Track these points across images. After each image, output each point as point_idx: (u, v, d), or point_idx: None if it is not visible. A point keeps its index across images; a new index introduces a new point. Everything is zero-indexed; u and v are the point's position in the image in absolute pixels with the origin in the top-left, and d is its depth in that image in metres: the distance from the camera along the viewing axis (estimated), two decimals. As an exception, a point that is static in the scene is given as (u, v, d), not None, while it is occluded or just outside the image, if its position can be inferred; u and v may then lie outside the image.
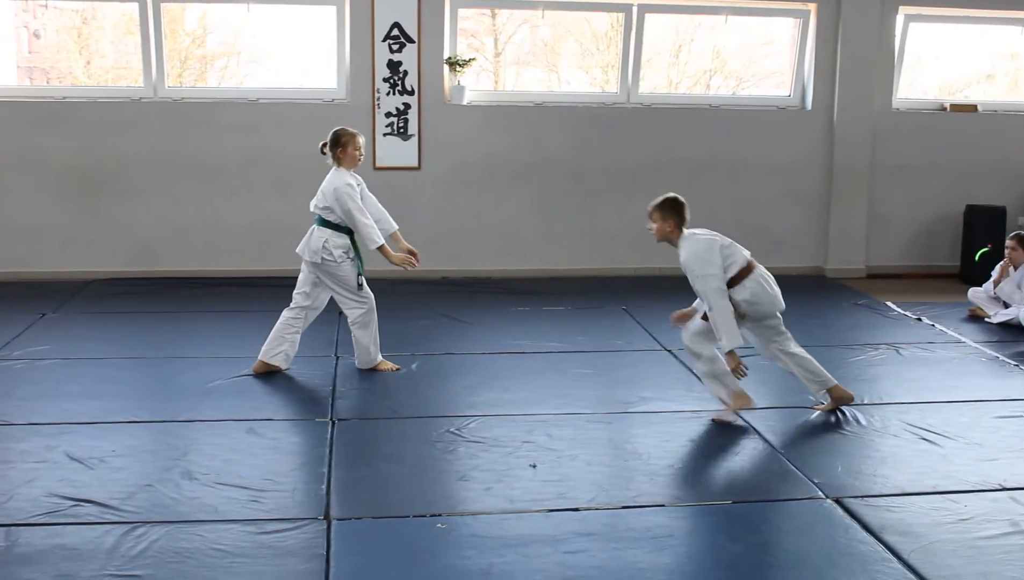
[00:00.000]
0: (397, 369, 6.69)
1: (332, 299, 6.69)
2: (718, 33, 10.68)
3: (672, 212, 5.70)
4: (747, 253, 5.81)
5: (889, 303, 9.06)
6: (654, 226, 5.74)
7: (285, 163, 9.53)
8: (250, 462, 5.19)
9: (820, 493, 4.84)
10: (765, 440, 5.54)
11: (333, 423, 5.73)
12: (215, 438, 5.52)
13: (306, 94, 9.78)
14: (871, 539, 4.36)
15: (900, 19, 10.23)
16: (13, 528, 4.35)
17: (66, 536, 4.30)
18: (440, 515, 4.55)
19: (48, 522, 4.42)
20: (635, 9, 9.87)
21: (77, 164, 9.52)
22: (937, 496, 4.82)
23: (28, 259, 9.52)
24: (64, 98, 9.57)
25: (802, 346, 6.01)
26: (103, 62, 10.73)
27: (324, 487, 4.83)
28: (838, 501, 4.74)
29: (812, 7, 10.07)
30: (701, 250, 5.67)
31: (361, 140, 6.54)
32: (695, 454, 5.36)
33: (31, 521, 4.43)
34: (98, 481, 4.86)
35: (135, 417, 5.79)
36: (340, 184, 6.36)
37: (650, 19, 9.99)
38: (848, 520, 4.55)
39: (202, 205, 9.63)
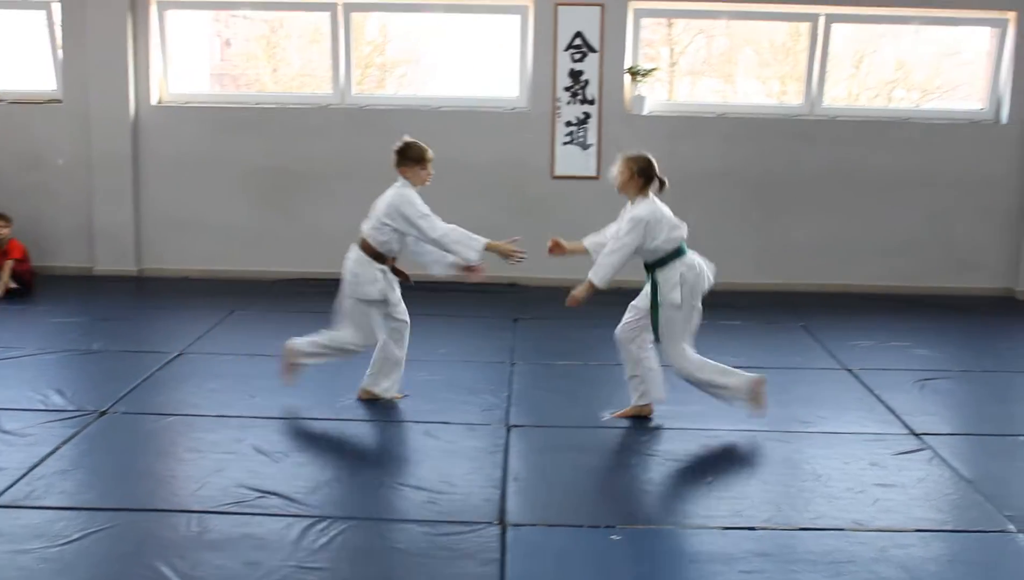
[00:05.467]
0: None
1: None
2: (902, 43, 10.33)
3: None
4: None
5: (1088, 329, 8.60)
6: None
7: (467, 171, 9.67)
8: (427, 464, 5.29)
9: (1011, 527, 4.62)
10: (951, 468, 5.32)
11: (508, 429, 5.78)
12: (394, 439, 5.66)
13: (487, 103, 9.91)
14: (1068, 578, 4.15)
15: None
16: (204, 515, 4.56)
17: (253, 526, 4.48)
18: (614, 527, 4.54)
19: (236, 511, 4.62)
20: (822, 19, 9.64)
21: (267, 168, 9.89)
22: None
23: (219, 257, 9.94)
24: (257, 104, 9.97)
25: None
26: (288, 69, 11.13)
27: (499, 492, 4.88)
28: (1031, 536, 4.53)
29: (1011, 16, 9.62)
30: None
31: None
32: (876, 479, 5.17)
33: (221, 509, 4.63)
34: (283, 474, 5.05)
35: (318, 415, 5.99)
36: None
37: (835, 29, 9.73)
38: (1042, 557, 4.34)
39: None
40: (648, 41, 10.44)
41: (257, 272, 9.90)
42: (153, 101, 9.87)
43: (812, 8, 9.63)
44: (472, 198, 9.72)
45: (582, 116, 9.63)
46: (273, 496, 4.76)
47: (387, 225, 6.00)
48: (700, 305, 5.93)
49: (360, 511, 4.65)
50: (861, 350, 7.63)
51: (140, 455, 5.38)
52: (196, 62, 10.92)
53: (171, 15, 9.90)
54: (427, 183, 6.16)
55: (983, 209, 9.87)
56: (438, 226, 5.94)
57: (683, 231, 5.89)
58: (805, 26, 9.79)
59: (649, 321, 5.89)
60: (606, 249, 5.86)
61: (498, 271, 9.57)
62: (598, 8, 9.48)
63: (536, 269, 9.74)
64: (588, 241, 6.14)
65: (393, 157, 6.14)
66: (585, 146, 9.62)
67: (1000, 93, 9.82)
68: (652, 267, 5.87)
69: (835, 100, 10.17)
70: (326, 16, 9.79)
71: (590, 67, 9.57)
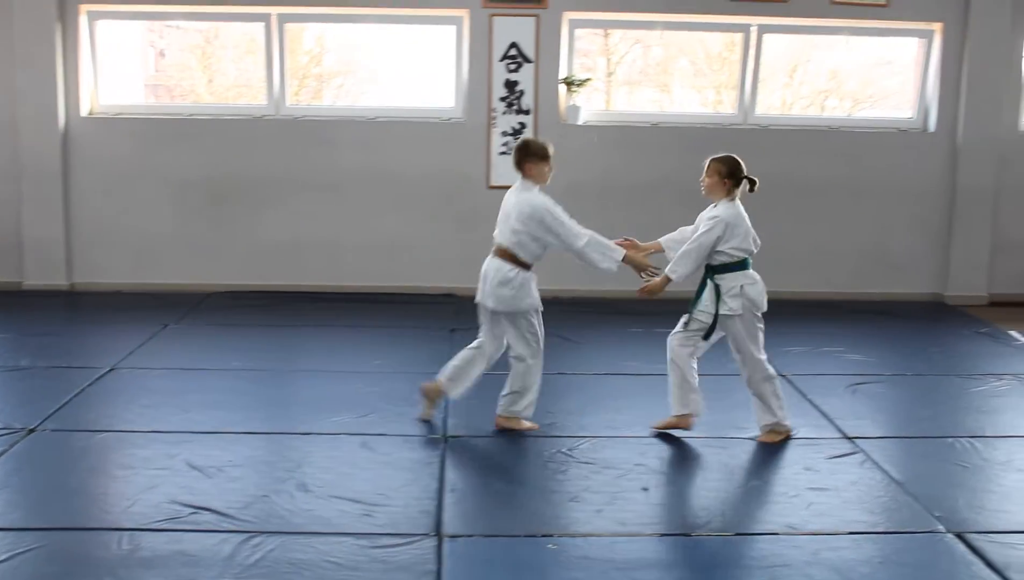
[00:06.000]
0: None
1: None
2: (834, 53, 10.49)
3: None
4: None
5: (1013, 332, 8.76)
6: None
7: (403, 181, 9.68)
8: (363, 476, 5.26)
9: (941, 527, 4.71)
10: (882, 470, 5.40)
11: (445, 440, 5.78)
12: (329, 451, 5.61)
13: (423, 113, 9.90)
14: (995, 577, 4.22)
15: (1029, 39, 9.92)
16: (136, 533, 4.49)
17: (185, 543, 4.42)
18: (551, 536, 4.55)
19: (169, 528, 4.56)
20: (754, 30, 9.75)
21: (202, 179, 9.77)
22: (1066, 535, 4.65)
23: (153, 271, 9.81)
24: (191, 115, 9.86)
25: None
26: (224, 80, 11.03)
27: (436, 504, 4.87)
28: (960, 536, 4.61)
29: (937, 27, 9.82)
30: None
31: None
32: (810, 482, 5.24)
33: (153, 527, 4.56)
34: (216, 490, 4.99)
35: (252, 428, 5.93)
36: None
37: (767, 39, 9.86)
38: (970, 556, 4.42)
39: (321, 221, 9.81)
40: (585, 51, 10.50)
41: (191, 285, 9.78)
42: (83, 112, 9.71)
43: (744, 19, 9.74)
44: (409, 208, 9.72)
45: (518, 126, 9.65)
46: (206, 512, 4.71)
47: (522, 232, 5.84)
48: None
49: (294, 525, 4.60)
50: (794, 356, 7.72)
51: (70, 473, 5.27)
52: (130, 73, 10.78)
53: (102, 25, 9.75)
54: (547, 182, 5.96)
55: (912, 215, 10.05)
56: (580, 233, 5.79)
57: (754, 247, 5.89)
58: (738, 36, 9.91)
59: (704, 332, 5.91)
60: (684, 247, 5.83)
61: (435, 282, 9.65)
62: (533, 19, 9.52)
63: (473, 279, 9.74)
64: (663, 238, 6.15)
65: (514, 156, 5.93)
66: (521, 156, 9.63)
67: (928, 102, 10.02)
68: (712, 271, 5.85)
69: (769, 109, 10.30)
70: (260, 27, 9.72)
71: (525, 77, 9.60)
